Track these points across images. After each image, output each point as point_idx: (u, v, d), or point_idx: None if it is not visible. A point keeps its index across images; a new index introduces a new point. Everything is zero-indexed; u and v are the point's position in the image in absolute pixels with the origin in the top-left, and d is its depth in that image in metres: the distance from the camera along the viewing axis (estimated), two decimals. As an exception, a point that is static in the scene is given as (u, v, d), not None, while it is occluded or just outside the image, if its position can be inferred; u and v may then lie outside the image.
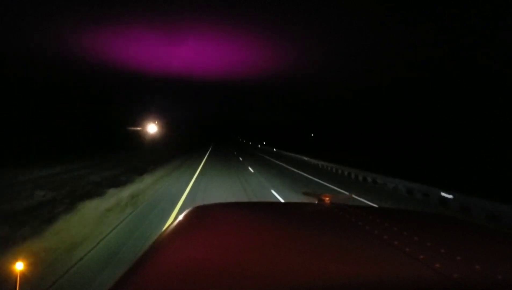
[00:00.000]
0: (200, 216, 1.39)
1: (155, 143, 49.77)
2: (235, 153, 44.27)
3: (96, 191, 11.16)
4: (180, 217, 1.34)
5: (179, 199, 10.81)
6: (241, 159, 32.45)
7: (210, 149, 52.19)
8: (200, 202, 9.27)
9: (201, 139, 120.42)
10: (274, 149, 55.04)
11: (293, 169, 24.72)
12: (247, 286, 0.73)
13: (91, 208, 8.52)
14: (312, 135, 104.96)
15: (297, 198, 11.22)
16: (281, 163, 29.88)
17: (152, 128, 60.04)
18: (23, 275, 1.21)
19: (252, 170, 21.26)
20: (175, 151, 36.50)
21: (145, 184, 13.59)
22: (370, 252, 0.95)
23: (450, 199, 11.73)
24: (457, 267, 0.81)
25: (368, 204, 11.07)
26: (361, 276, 0.78)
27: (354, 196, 12.35)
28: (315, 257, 0.91)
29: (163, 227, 3.94)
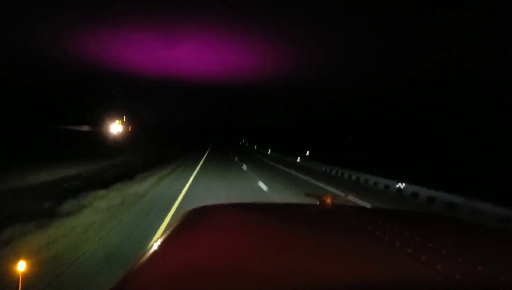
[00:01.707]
0: (200, 217, 1.39)
1: (110, 148, 31.59)
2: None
3: None
4: (180, 219, 1.34)
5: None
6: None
7: (200, 164, 22.52)
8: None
9: (197, 141, 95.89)
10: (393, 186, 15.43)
11: None
12: (248, 287, 0.73)
13: None
14: (352, 136, 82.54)
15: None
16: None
17: (115, 128, 45.14)
18: (25, 276, 1.20)
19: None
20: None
21: None
22: (372, 253, 0.95)
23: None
24: (459, 268, 0.81)
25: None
26: (363, 277, 0.78)
27: (352, 198, 12.11)
28: (316, 258, 0.91)
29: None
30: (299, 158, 32.92)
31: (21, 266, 1.20)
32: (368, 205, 10.47)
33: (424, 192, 13.48)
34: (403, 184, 15.07)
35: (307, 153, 38.89)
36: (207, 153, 38.81)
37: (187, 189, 11.51)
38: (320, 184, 15.96)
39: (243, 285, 0.74)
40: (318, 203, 1.67)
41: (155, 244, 1.04)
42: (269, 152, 50.13)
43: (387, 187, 15.94)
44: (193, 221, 1.33)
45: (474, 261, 0.86)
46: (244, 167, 21.78)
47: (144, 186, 11.50)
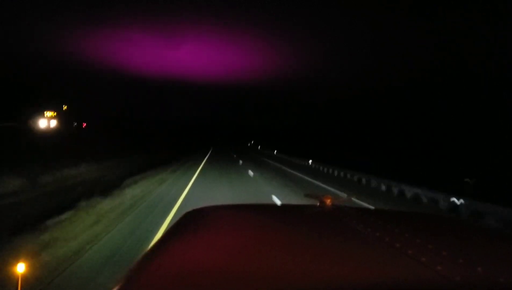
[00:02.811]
0: (199, 218, 1.39)
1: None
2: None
3: None
4: (179, 219, 1.33)
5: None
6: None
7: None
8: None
9: (195, 142, 77.45)
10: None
11: None
12: (247, 288, 0.73)
13: None
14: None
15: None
16: None
17: (43, 122, 35.63)
18: (24, 278, 1.20)
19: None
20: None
21: None
22: (372, 255, 0.94)
23: None
24: (459, 269, 0.81)
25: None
26: (363, 279, 0.78)
27: (354, 199, 12.08)
28: (315, 259, 0.91)
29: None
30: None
31: (20, 268, 1.19)
32: (368, 207, 10.47)
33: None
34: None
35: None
36: (200, 167, 22.58)
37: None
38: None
39: (243, 286, 0.74)
40: (318, 204, 1.67)
41: (155, 245, 1.04)
42: (309, 163, 30.16)
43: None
44: (192, 222, 1.33)
45: (474, 262, 0.85)
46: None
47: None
